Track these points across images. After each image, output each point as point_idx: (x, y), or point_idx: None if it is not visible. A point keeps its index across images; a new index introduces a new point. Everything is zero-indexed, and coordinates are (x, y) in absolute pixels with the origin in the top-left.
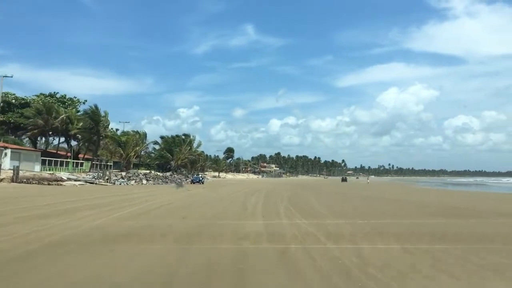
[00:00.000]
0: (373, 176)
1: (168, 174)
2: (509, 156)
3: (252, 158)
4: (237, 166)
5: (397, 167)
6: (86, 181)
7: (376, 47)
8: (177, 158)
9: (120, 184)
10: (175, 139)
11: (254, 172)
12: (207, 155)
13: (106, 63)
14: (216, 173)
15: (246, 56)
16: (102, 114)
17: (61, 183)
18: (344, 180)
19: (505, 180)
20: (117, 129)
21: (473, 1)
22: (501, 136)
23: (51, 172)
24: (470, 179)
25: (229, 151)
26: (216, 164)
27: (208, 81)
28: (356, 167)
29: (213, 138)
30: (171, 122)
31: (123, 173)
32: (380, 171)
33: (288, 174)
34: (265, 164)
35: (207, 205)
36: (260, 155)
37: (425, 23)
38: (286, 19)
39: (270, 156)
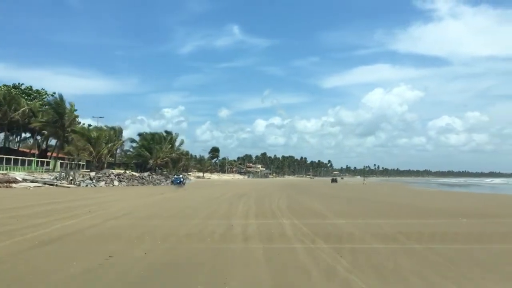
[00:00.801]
0: (359, 177)
1: (145, 174)
2: (491, 157)
3: (238, 158)
4: (222, 166)
5: (382, 167)
6: (45, 183)
7: (362, 48)
8: (156, 156)
9: (86, 186)
10: (154, 136)
11: (240, 173)
12: (191, 154)
13: (90, 62)
14: (201, 174)
15: (231, 57)
16: (68, 106)
17: (13, 185)
18: (334, 181)
19: (488, 180)
20: (89, 125)
21: (457, 2)
22: (484, 137)
23: (4, 172)
24: (458, 180)
25: (214, 151)
26: (200, 164)
27: (193, 81)
28: (342, 167)
29: (198, 139)
30: (155, 122)
31: (92, 174)
32: (366, 172)
33: (274, 174)
34: (251, 164)
35: (173, 220)
36: (246, 155)
37: (410, 25)
38: (271, 20)
39: (256, 156)
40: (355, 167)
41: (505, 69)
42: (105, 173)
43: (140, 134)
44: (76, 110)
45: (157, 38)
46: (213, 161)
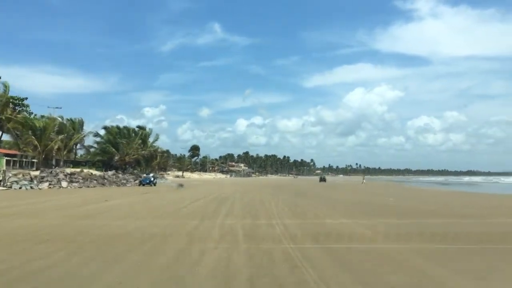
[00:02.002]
0: (341, 175)
1: (110, 173)
2: (467, 156)
3: (220, 157)
4: (203, 166)
5: (364, 166)
6: None
7: (344, 47)
8: (123, 153)
9: (20, 188)
10: (121, 130)
11: (222, 172)
12: (169, 152)
13: (69, 60)
14: (180, 173)
15: (213, 55)
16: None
17: None
18: (322, 179)
19: (467, 179)
20: (42, 116)
21: (437, 2)
22: (461, 137)
23: None
24: (439, 178)
25: (195, 149)
26: (180, 163)
27: (175, 80)
28: (324, 166)
29: (179, 138)
30: (135, 122)
31: (36, 173)
32: (348, 171)
33: (257, 173)
34: (233, 163)
35: None
36: (228, 154)
37: (391, 24)
38: (253, 18)
39: (238, 155)
40: (337, 166)
41: (484, 68)
42: (51, 172)
43: (105, 128)
44: (25, 99)
45: (138, 36)
46: (194, 160)
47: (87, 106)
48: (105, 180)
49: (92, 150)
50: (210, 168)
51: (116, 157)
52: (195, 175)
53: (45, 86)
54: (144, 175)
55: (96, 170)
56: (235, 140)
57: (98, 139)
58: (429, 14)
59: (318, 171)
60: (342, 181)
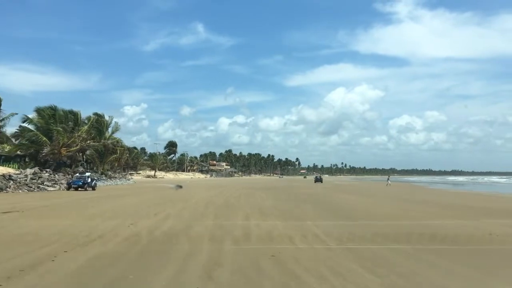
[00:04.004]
0: (326, 175)
1: (28, 171)
2: (449, 155)
3: (201, 155)
4: (181, 164)
5: (349, 166)
6: None
7: (325, 48)
8: (58, 144)
9: None
10: (57, 112)
11: (202, 171)
12: (144, 150)
13: (49, 58)
14: (153, 172)
15: (196, 55)
16: None
17: None
18: (318, 180)
19: (451, 178)
20: None
21: (416, 6)
22: (442, 136)
23: None
24: (423, 178)
25: (171, 146)
26: (152, 161)
27: (157, 78)
28: (309, 165)
29: (160, 137)
30: (115, 120)
31: None
32: (333, 170)
33: (240, 173)
34: (214, 162)
35: None
36: (210, 152)
37: (371, 26)
38: (236, 18)
39: (220, 154)
40: (322, 166)
41: (462, 70)
42: None
43: (37, 111)
44: None
45: (120, 34)
46: (170, 158)
47: (68, 104)
48: (10, 182)
49: (18, 141)
50: (189, 167)
51: (46, 149)
52: (170, 175)
53: (25, 84)
54: (77, 174)
55: (21, 167)
56: (217, 139)
57: (27, 125)
58: (408, 17)
59: (303, 171)
60: (338, 181)
